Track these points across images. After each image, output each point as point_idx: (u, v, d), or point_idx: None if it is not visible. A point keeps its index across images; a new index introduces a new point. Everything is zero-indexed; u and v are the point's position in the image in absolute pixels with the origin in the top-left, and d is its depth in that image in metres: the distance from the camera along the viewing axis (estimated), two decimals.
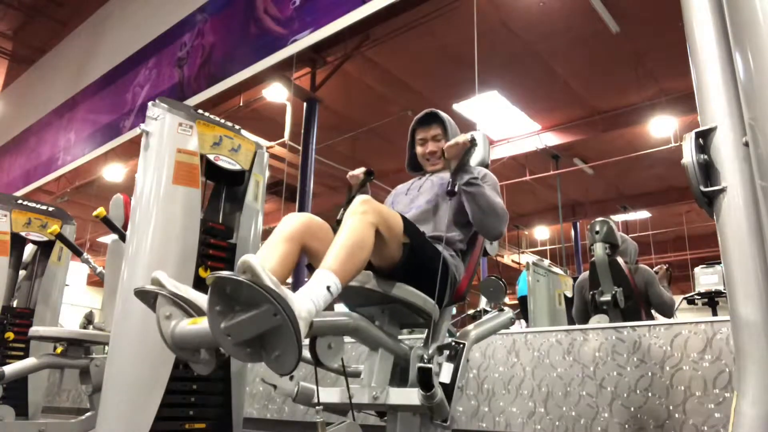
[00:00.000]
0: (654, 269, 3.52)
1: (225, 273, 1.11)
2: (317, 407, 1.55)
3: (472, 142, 1.77)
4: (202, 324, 1.21)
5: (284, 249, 1.47)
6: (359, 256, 1.39)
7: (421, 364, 1.45)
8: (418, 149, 2.08)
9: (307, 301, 1.21)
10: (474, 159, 2.12)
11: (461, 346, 1.58)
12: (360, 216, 1.43)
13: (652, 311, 3.29)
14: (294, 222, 1.54)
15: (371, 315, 1.67)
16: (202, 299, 1.32)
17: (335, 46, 7.05)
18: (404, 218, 1.60)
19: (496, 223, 1.79)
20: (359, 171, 1.97)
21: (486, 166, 2.11)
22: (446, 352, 1.62)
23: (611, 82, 8.30)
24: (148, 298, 1.35)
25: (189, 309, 1.30)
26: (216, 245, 2.31)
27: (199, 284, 2.16)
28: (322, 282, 1.27)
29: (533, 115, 9.23)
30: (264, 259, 1.43)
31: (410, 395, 1.49)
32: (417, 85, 8.26)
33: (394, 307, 1.64)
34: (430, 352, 1.59)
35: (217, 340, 1.12)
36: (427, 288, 1.61)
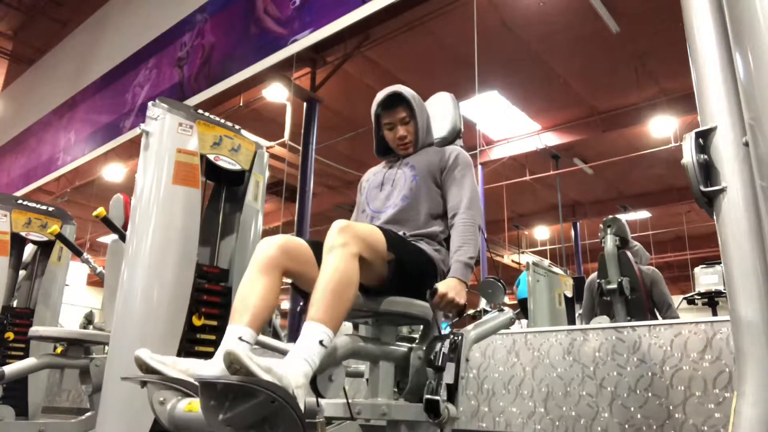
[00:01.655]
0: None
1: (212, 376, 1.10)
2: (317, 407, 1.54)
3: (461, 312, 1.60)
4: (199, 411, 1.18)
5: (264, 283, 1.44)
6: (347, 295, 1.36)
7: (429, 396, 1.46)
8: (387, 135, 1.94)
9: (302, 364, 1.20)
10: (444, 127, 2.03)
11: (460, 337, 1.58)
12: (340, 250, 1.38)
13: (655, 311, 3.31)
14: (269, 250, 1.49)
15: (365, 323, 1.67)
16: (193, 368, 1.30)
17: (335, 46, 7.05)
18: (384, 232, 1.56)
19: (478, 223, 1.77)
20: None
21: (458, 133, 2.03)
22: (446, 342, 1.61)
23: (611, 82, 8.30)
24: (136, 382, 1.32)
25: (182, 388, 1.27)
26: (210, 290, 2.29)
27: (192, 330, 2.17)
28: (314, 337, 1.26)
29: (533, 115, 9.23)
30: (245, 301, 1.41)
31: (419, 412, 1.50)
32: (417, 85, 8.18)
33: (387, 317, 1.64)
34: (426, 348, 1.60)
35: None
36: (418, 290, 1.61)
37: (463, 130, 2.06)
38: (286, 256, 1.50)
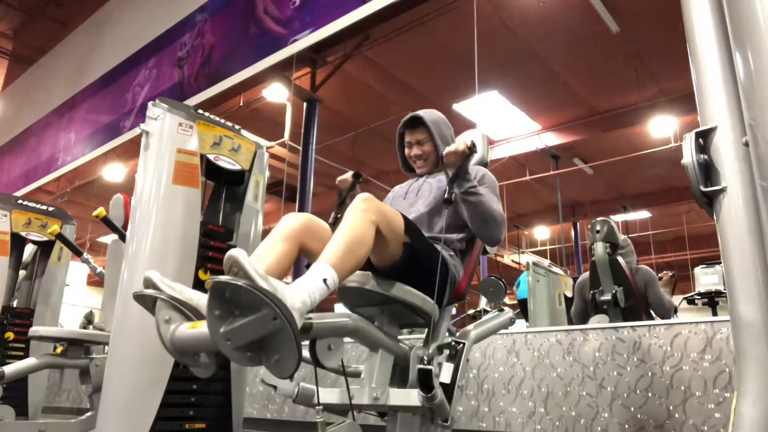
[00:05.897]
0: (659, 275, 3.52)
1: (223, 277, 1.10)
2: (317, 407, 1.55)
3: (472, 149, 1.69)
4: (201, 328, 1.21)
5: (282, 248, 1.47)
6: (358, 252, 1.38)
7: (421, 366, 1.45)
8: (407, 152, 2.08)
9: (303, 293, 1.20)
10: (473, 159, 2.11)
11: (461, 345, 1.58)
12: (361, 213, 1.43)
13: (651, 312, 3.30)
14: (293, 222, 1.54)
15: (371, 315, 1.67)
16: (199, 299, 1.31)
17: (335, 46, 7.06)
18: (405, 217, 1.60)
19: (495, 231, 1.77)
20: (347, 175, 2.02)
21: (485, 166, 2.09)
22: (446, 352, 1.61)
23: (611, 82, 8.30)
24: (146, 301, 1.34)
25: (188, 312, 1.29)
26: (215, 247, 2.29)
27: (198, 286, 2.15)
28: (319, 274, 1.26)
29: (533, 115, 9.23)
30: (260, 257, 1.43)
31: (411, 396, 1.48)
32: (417, 85, 8.26)
33: (393, 307, 1.63)
34: (430, 352, 1.59)
35: (217, 345, 1.12)
36: (426, 288, 1.61)
37: (488, 163, 2.14)
38: (308, 232, 1.54)
